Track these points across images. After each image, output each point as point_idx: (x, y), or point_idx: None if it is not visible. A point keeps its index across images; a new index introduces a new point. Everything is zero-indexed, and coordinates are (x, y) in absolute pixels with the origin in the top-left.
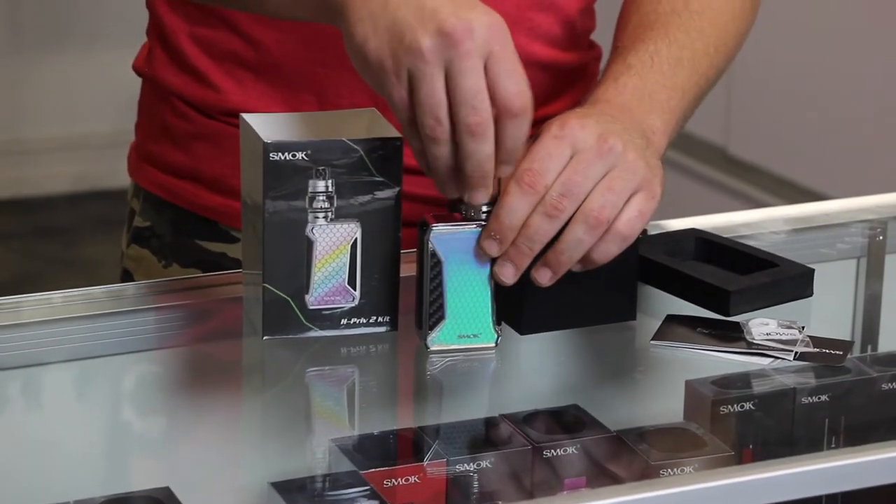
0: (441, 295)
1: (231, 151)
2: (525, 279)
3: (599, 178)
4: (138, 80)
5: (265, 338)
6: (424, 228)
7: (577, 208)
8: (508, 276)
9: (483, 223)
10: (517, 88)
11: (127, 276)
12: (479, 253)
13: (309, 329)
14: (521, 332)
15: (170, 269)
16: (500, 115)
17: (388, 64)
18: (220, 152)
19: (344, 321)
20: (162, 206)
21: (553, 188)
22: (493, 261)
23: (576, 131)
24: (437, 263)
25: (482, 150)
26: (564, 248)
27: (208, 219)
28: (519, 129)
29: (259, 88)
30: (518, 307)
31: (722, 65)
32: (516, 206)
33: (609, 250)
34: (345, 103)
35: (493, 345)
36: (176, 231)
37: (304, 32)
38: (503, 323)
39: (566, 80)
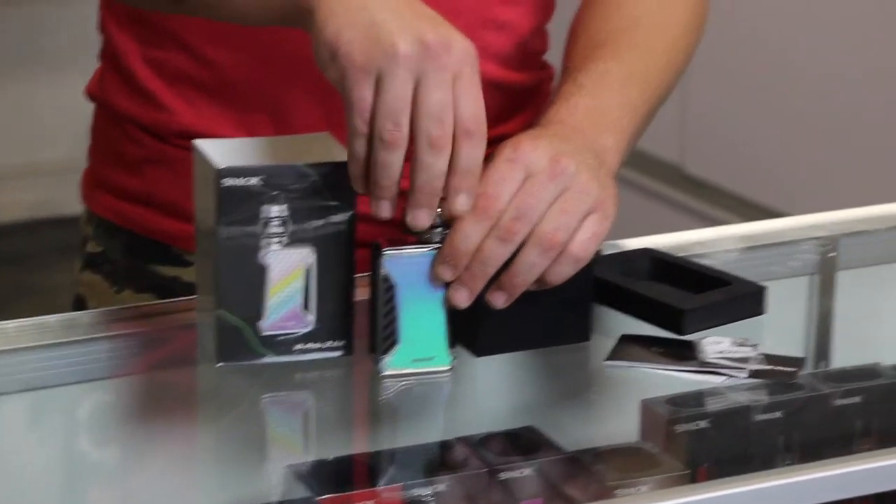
0: (395, 319)
1: (184, 175)
2: (479, 302)
3: (553, 201)
4: (90, 106)
5: (219, 364)
6: (377, 252)
7: (531, 231)
8: (462, 300)
9: (437, 246)
10: (477, 111)
11: (80, 303)
12: (433, 277)
13: (263, 355)
14: (477, 355)
15: (122, 295)
16: (456, 135)
17: (359, 59)
18: (174, 176)
19: (299, 346)
20: (114, 231)
21: (507, 212)
22: (447, 284)
23: (528, 154)
24: (391, 287)
25: (438, 164)
26: (518, 272)
27: (161, 243)
28: (475, 150)
29: (212, 110)
30: (473, 329)
31: (672, 80)
32: (470, 231)
33: (563, 272)
34: (298, 124)
35: (448, 368)
36: (129, 256)
37: (258, 52)
38: (459, 345)
39: (518, 100)
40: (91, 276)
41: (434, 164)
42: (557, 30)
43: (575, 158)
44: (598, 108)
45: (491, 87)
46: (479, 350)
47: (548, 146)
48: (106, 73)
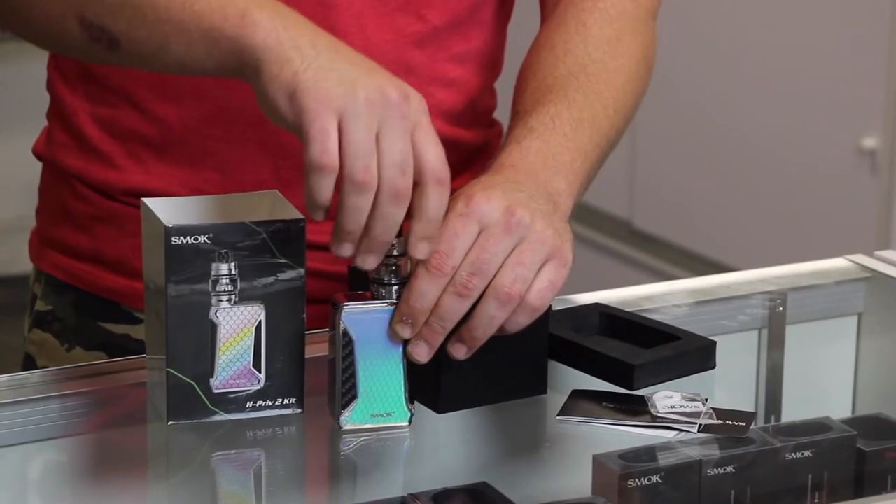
0: (353, 374)
1: (133, 233)
2: (439, 359)
3: (508, 252)
4: (39, 165)
5: (170, 423)
6: (336, 308)
7: (488, 285)
8: (422, 355)
9: (394, 302)
10: (442, 158)
11: (29, 361)
12: (392, 335)
13: (214, 413)
14: (439, 412)
15: (73, 353)
16: (425, 183)
17: (322, 96)
18: (122, 233)
19: (250, 404)
20: (64, 289)
21: (462, 267)
22: (406, 340)
23: (482, 206)
24: (349, 343)
25: (398, 214)
26: (478, 325)
27: (111, 300)
28: (443, 198)
29: (161, 167)
30: (434, 387)
31: (621, 125)
32: (425, 289)
33: (520, 321)
34: (248, 180)
35: (407, 423)
36: (78, 314)
37: (206, 108)
38: (420, 403)
39: (467, 156)
40: (40, 335)
41: (395, 215)
42: (505, 88)
43: (529, 207)
44: (549, 151)
45: (443, 145)
46: (442, 407)
47: (501, 196)
48: (54, 131)
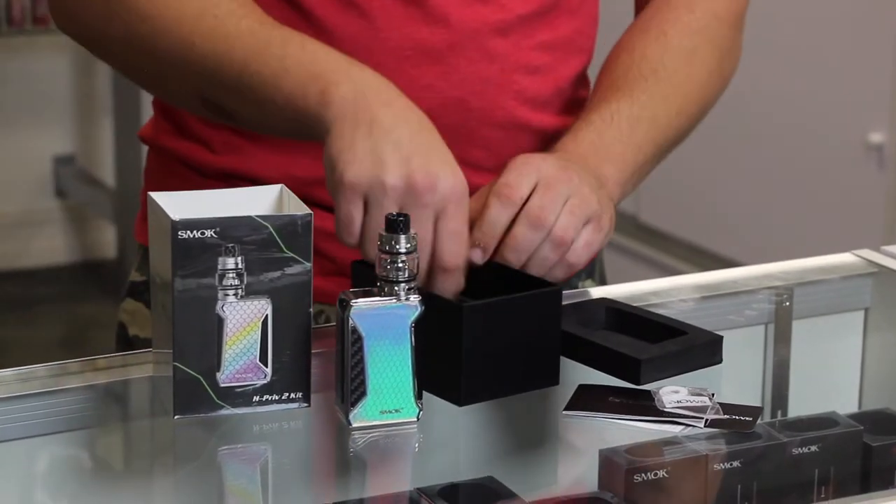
0: (362, 371)
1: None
2: (459, 354)
3: (564, 202)
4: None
5: (176, 417)
6: (344, 305)
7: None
8: (478, 257)
9: (402, 299)
10: (455, 250)
11: (122, 330)
12: (471, 257)
13: (221, 407)
14: (461, 404)
15: None
16: (435, 270)
17: (351, 180)
18: None
19: (256, 398)
20: None
21: (532, 201)
22: (414, 335)
23: (538, 162)
24: (358, 339)
25: (456, 260)
26: (532, 265)
27: None
28: (449, 283)
29: (255, 151)
30: (455, 381)
31: (684, 128)
32: (497, 217)
33: (556, 275)
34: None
35: (415, 419)
36: None
37: None
38: (438, 397)
39: (550, 143)
40: (133, 304)
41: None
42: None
43: (578, 173)
44: (602, 143)
45: (525, 130)
46: (463, 400)
47: (555, 160)
48: (157, 118)
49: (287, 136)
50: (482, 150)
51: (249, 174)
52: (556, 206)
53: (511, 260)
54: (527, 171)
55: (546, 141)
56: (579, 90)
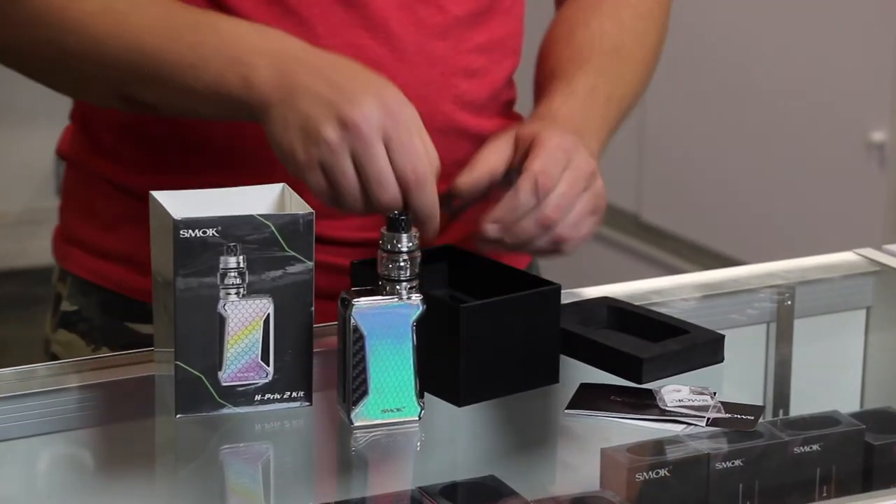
0: (364, 370)
1: None
2: (459, 354)
3: (580, 195)
4: (52, 160)
5: (178, 416)
6: (346, 304)
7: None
8: (494, 231)
9: (403, 298)
10: (412, 164)
11: (54, 360)
12: (486, 231)
13: (222, 406)
14: (460, 405)
15: (99, 353)
16: (403, 190)
17: (302, 157)
18: (148, 234)
19: (258, 397)
20: (90, 289)
21: (551, 199)
22: (416, 335)
23: (570, 150)
24: (360, 338)
25: (426, 206)
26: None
27: (138, 301)
28: (422, 198)
29: (189, 174)
30: (454, 381)
31: (632, 106)
32: (526, 203)
33: (566, 250)
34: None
35: (417, 418)
36: (105, 314)
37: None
38: (438, 397)
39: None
40: (66, 335)
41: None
42: (521, 80)
43: (595, 165)
44: (589, 117)
45: (464, 135)
46: (463, 400)
47: (583, 150)
48: (78, 133)
49: (217, 119)
50: None
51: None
52: (573, 202)
53: (507, 243)
54: (561, 160)
55: (480, 145)
56: (509, 92)
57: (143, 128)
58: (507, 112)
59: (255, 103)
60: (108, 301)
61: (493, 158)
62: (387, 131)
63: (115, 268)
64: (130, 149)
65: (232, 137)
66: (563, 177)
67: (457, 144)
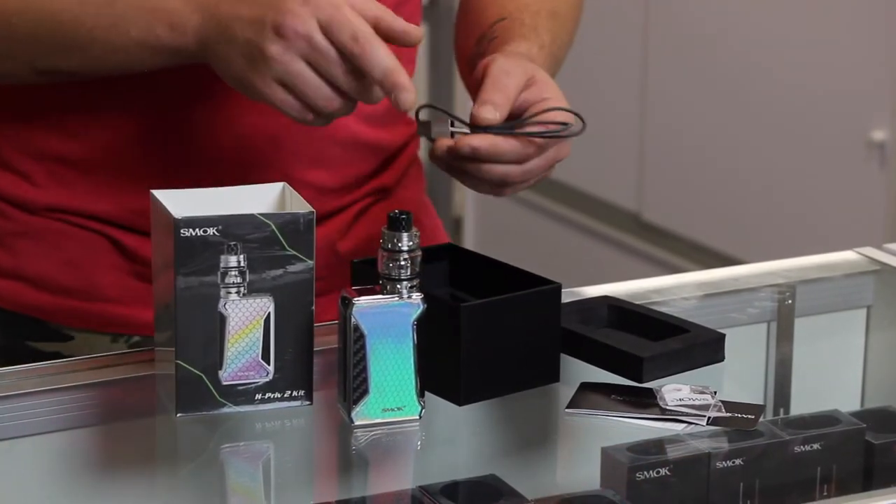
0: (364, 369)
1: (56, 247)
2: (459, 354)
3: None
4: None
5: (179, 415)
6: (346, 303)
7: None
8: (489, 114)
9: (404, 296)
10: (351, 32)
11: None
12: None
13: (223, 405)
14: (461, 404)
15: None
16: (353, 59)
17: (258, 82)
18: (45, 248)
19: (258, 396)
20: None
21: (527, 165)
22: (416, 334)
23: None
24: (360, 338)
25: (380, 62)
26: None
27: (37, 318)
28: (373, 57)
29: (87, 186)
30: (455, 380)
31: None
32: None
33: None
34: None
35: (417, 417)
36: (5, 333)
37: (131, 128)
38: (438, 396)
39: (388, 157)
40: None
41: (377, 64)
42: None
43: None
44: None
45: (365, 148)
46: (463, 400)
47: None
48: None
49: (148, 69)
50: (325, 170)
51: (79, 209)
52: (537, 175)
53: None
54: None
55: (384, 155)
56: None
57: (34, 141)
58: (403, 119)
59: (190, 47)
60: (7, 320)
61: (513, 94)
62: (318, 18)
63: (10, 284)
64: (23, 163)
65: (136, 155)
66: (546, 156)
67: (357, 156)
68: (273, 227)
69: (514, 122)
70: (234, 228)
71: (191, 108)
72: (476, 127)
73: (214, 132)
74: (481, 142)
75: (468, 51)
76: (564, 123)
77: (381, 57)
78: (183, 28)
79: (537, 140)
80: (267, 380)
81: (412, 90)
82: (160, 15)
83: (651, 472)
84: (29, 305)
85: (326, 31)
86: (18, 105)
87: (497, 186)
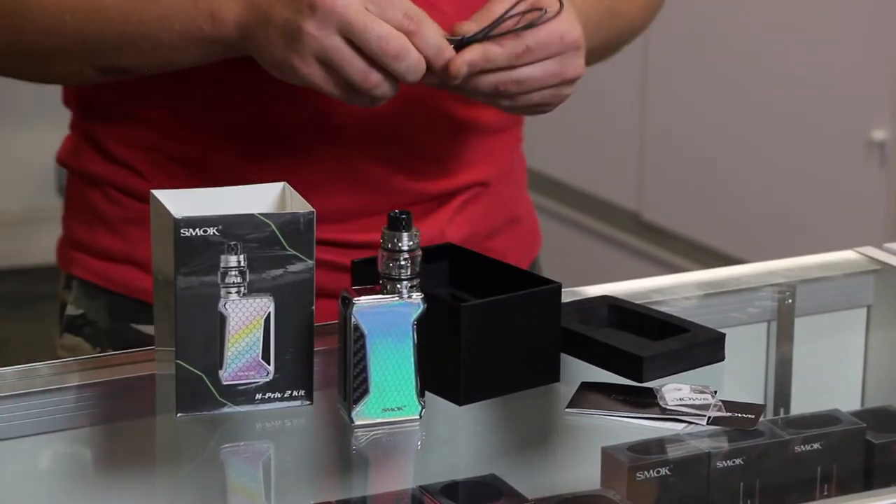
0: (365, 369)
1: None
2: (459, 354)
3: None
4: (52, 159)
5: (179, 415)
6: (347, 303)
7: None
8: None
9: (404, 296)
10: (402, 10)
11: None
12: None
13: (223, 405)
14: (461, 404)
15: None
16: (406, 34)
17: (298, 63)
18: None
19: (259, 396)
20: (96, 292)
21: (520, 72)
22: (417, 334)
23: (572, 44)
24: (360, 337)
25: (433, 40)
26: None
27: (143, 302)
28: (424, 39)
29: (189, 179)
30: (455, 380)
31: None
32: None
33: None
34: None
35: (418, 417)
36: (111, 317)
37: (222, 128)
38: (438, 396)
39: (490, 141)
40: (72, 339)
41: (408, 66)
42: None
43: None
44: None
45: (463, 128)
46: (463, 399)
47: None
48: (78, 142)
49: (191, 65)
50: (428, 161)
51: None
52: (535, 88)
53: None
54: (555, 48)
55: (480, 137)
56: None
57: (140, 138)
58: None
59: (231, 37)
60: (115, 303)
61: (497, 10)
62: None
63: (121, 269)
64: (131, 157)
65: (230, 155)
66: (544, 65)
67: (460, 139)
68: (273, 226)
69: (488, 26)
70: (234, 228)
71: (280, 101)
72: (453, 39)
73: (304, 126)
74: (471, 54)
75: None
76: (541, 9)
77: (433, 35)
78: (223, 18)
79: (525, 41)
80: (267, 380)
81: (464, 63)
82: (202, 6)
83: (651, 471)
84: (138, 289)
85: (370, 5)
86: (116, 103)
87: (490, 97)
